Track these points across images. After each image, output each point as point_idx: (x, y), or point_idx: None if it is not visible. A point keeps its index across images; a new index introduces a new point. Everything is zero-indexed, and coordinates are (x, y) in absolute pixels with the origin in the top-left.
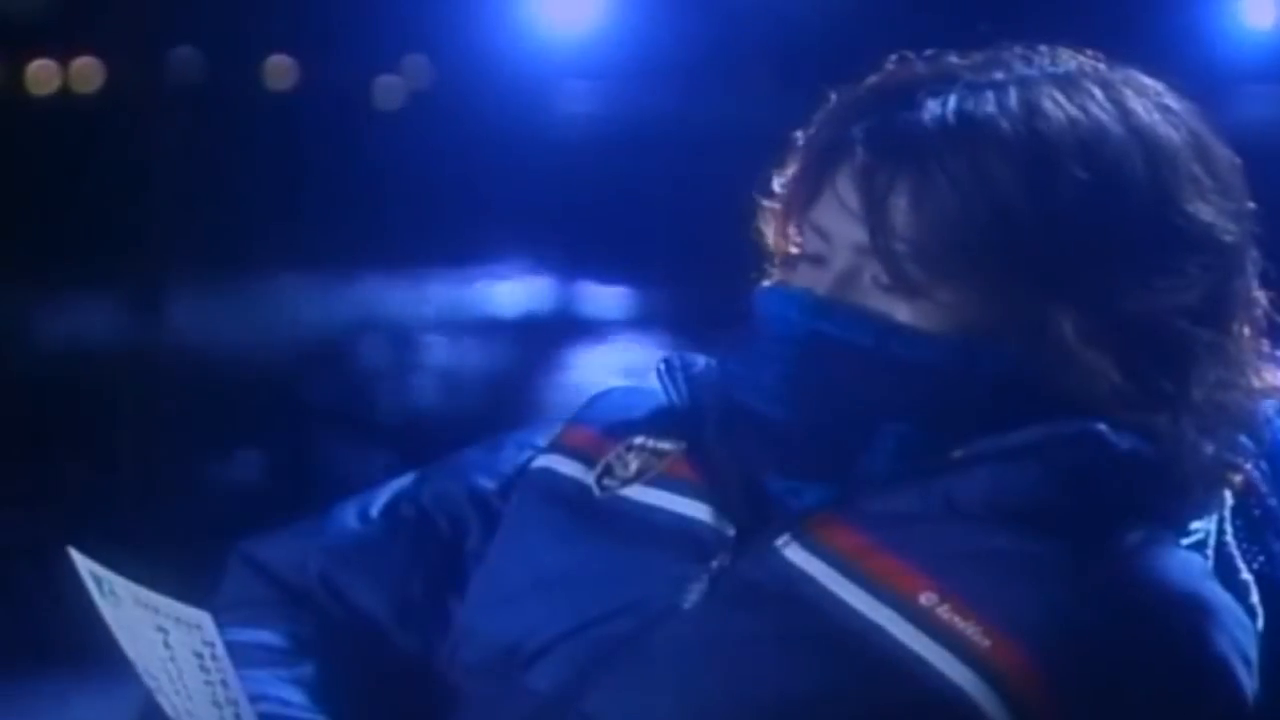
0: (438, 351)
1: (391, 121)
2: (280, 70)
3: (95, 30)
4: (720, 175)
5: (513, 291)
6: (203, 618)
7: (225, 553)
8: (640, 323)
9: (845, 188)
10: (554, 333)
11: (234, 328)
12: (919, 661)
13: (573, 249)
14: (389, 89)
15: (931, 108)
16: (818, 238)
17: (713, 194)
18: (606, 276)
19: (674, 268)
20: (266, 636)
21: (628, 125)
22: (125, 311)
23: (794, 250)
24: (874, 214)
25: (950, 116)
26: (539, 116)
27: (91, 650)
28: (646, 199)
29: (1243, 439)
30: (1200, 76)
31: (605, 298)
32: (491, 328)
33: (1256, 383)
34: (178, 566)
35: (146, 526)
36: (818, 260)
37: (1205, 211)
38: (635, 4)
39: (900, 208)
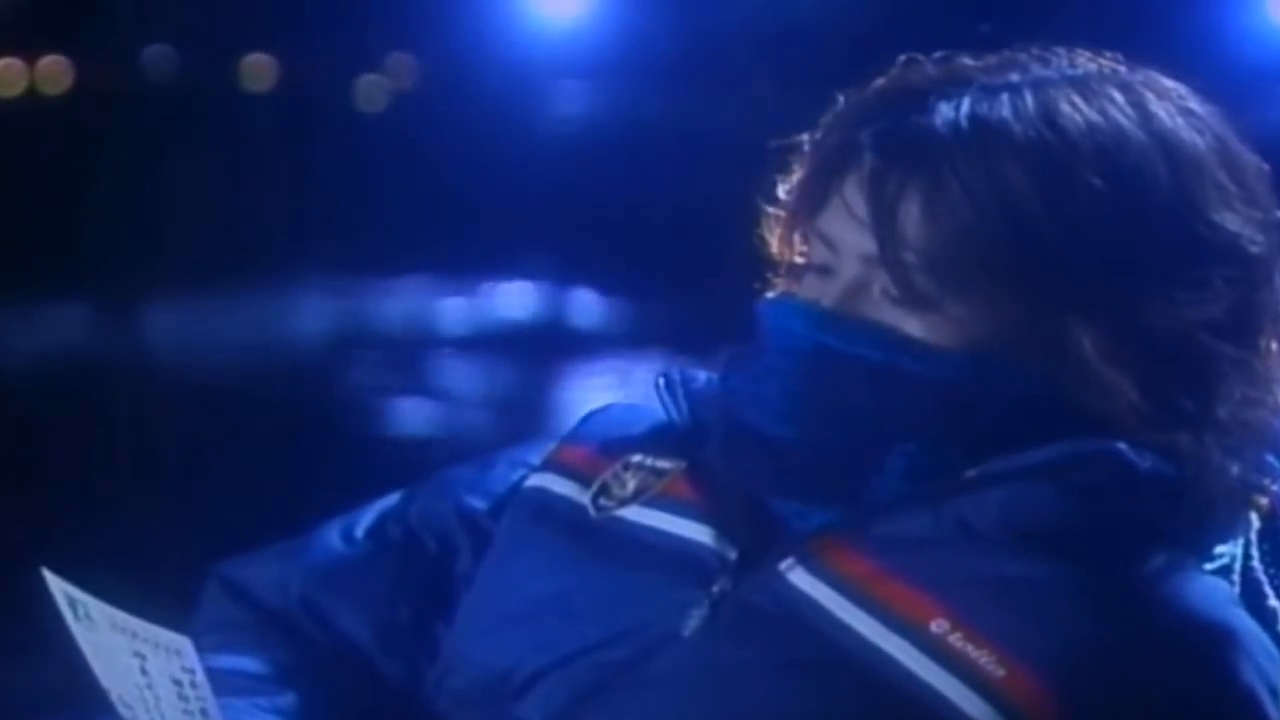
0: (425, 365)
1: (375, 123)
2: (258, 70)
3: (63, 27)
4: (722, 180)
5: (503, 303)
6: (182, 643)
7: (205, 575)
8: (638, 335)
9: (853, 195)
10: (547, 346)
11: (209, 340)
12: (930, 691)
13: (567, 257)
14: (372, 89)
15: (944, 111)
16: (824, 247)
17: (714, 200)
18: (602, 287)
19: (673, 278)
20: (246, 663)
21: (625, 127)
22: (95, 324)
23: (799, 260)
24: (883, 222)
25: (963, 120)
26: (531, 118)
27: (65, 675)
28: (645, 205)
29: (1270, 459)
30: (1223, 77)
31: (601, 309)
32: (481, 340)
33: None
34: (156, 589)
35: (124, 547)
36: (824, 271)
37: (1231, 220)
38: None
39: (911, 216)
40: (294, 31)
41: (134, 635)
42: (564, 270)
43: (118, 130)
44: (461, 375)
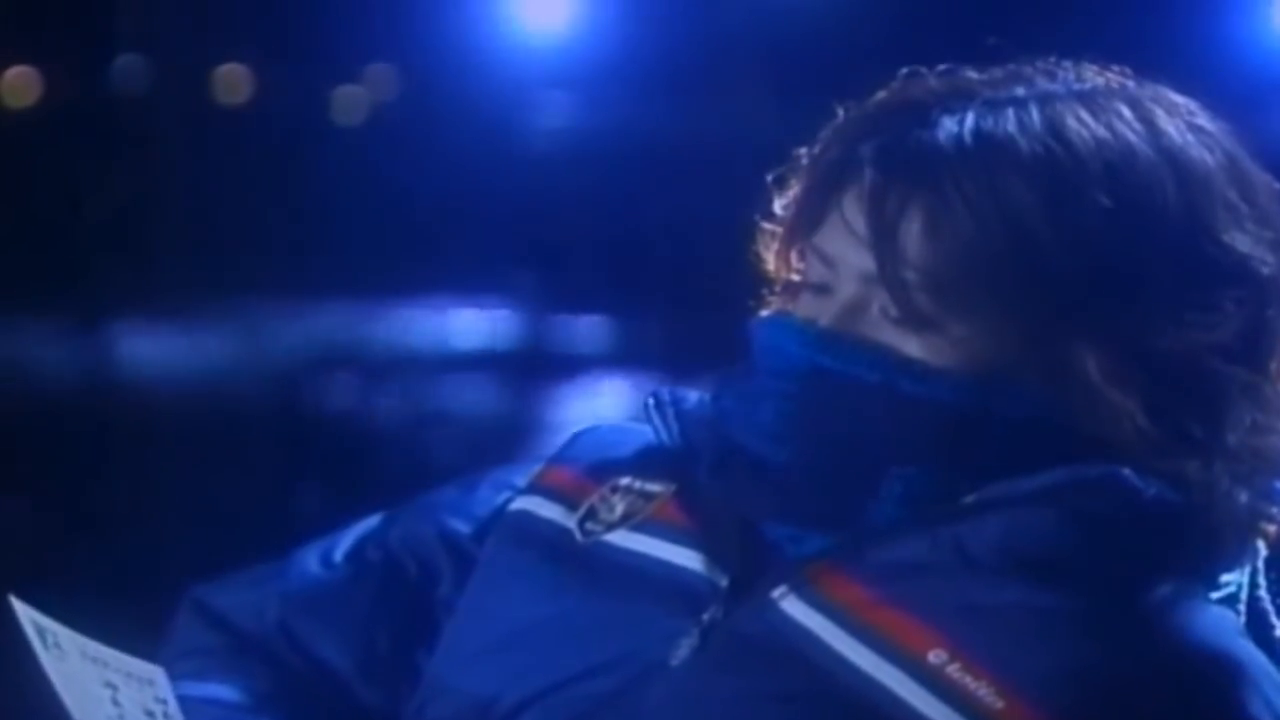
0: (405, 387)
1: (353, 137)
2: (232, 81)
3: (30, 37)
4: (714, 195)
5: (487, 321)
6: (155, 673)
7: (179, 599)
8: (626, 356)
9: (853, 211)
10: (532, 366)
11: (180, 360)
12: None
13: (554, 274)
14: (350, 101)
15: (947, 126)
16: (822, 265)
17: (706, 216)
18: (590, 305)
19: (664, 296)
20: (220, 690)
21: (613, 140)
22: (62, 344)
23: (796, 278)
24: (883, 240)
25: (967, 136)
26: (517, 130)
27: (31, 709)
28: (634, 221)
29: (1279, 486)
30: (1228, 87)
31: (588, 328)
32: (464, 361)
33: None
34: (127, 616)
35: (94, 573)
36: (821, 289)
37: (1241, 241)
38: (621, 6)
39: (912, 233)
40: (269, 41)
41: (105, 665)
42: (551, 288)
43: (87, 144)
44: (444, 396)
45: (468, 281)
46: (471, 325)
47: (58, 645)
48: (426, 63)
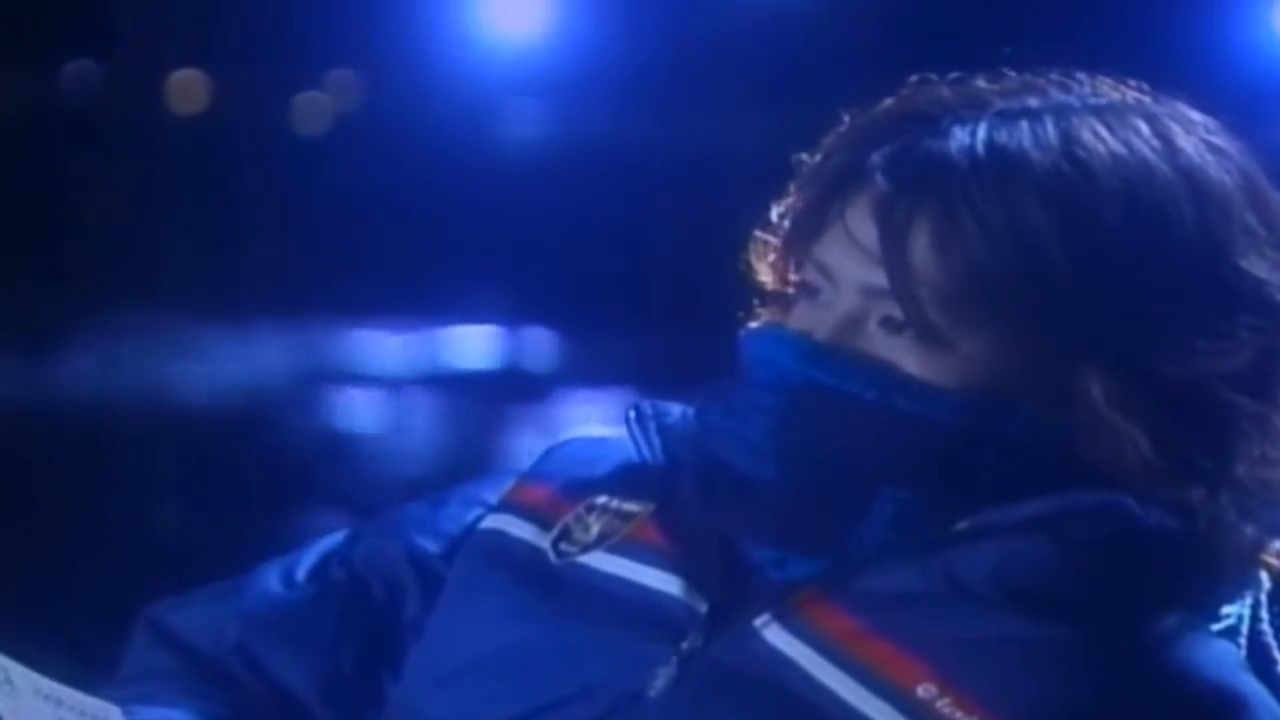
0: (369, 405)
1: (314, 147)
2: (187, 88)
3: None
4: (697, 206)
5: (457, 339)
6: (111, 711)
7: (134, 619)
8: (603, 370)
9: (856, 221)
10: (504, 385)
11: (136, 380)
12: None
13: (525, 289)
14: (311, 109)
15: (959, 137)
16: (820, 276)
17: (688, 227)
18: (564, 319)
19: (643, 312)
20: (176, 715)
21: (589, 150)
22: (11, 360)
23: (790, 289)
24: (892, 251)
25: (979, 147)
26: (485, 140)
27: None
28: (611, 234)
29: None
30: (1237, 101)
31: (563, 346)
32: (432, 380)
33: None
34: (83, 647)
35: (49, 603)
36: (818, 301)
37: (1258, 266)
38: (597, 8)
39: (920, 246)
40: (227, 46)
41: (60, 703)
42: (522, 303)
43: (34, 154)
44: (411, 416)
45: (434, 295)
46: (437, 343)
47: (10, 682)
48: (391, 69)
